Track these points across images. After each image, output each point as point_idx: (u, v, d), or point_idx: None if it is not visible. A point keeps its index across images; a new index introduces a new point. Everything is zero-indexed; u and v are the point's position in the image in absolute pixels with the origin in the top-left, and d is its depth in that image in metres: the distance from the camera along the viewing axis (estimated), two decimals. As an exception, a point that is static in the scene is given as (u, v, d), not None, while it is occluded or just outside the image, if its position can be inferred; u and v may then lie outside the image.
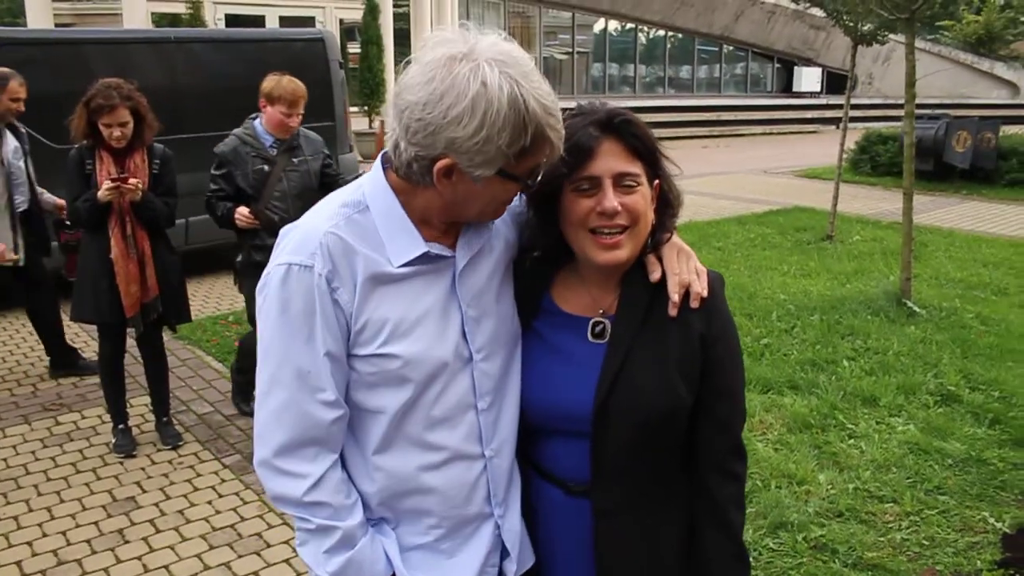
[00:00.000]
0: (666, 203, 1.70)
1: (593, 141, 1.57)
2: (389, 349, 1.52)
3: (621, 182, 1.58)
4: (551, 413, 1.68)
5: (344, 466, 1.61)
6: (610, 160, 1.58)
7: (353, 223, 1.53)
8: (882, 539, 3.79)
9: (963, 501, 4.12)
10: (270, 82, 4.60)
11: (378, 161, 1.60)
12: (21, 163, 5.36)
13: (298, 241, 1.52)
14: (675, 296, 1.63)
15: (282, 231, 1.59)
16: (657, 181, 1.66)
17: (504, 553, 1.72)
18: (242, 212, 4.51)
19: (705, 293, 1.64)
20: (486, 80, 1.38)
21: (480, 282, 1.63)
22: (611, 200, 1.56)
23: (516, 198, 1.64)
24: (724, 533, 1.71)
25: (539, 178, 1.52)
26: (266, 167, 4.58)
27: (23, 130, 5.50)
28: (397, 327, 1.53)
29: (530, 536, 1.77)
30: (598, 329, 1.68)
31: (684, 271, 1.65)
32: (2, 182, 5.23)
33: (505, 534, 1.71)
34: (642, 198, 1.60)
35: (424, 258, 1.54)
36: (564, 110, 1.59)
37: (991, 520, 3.94)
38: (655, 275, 1.66)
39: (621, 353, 1.63)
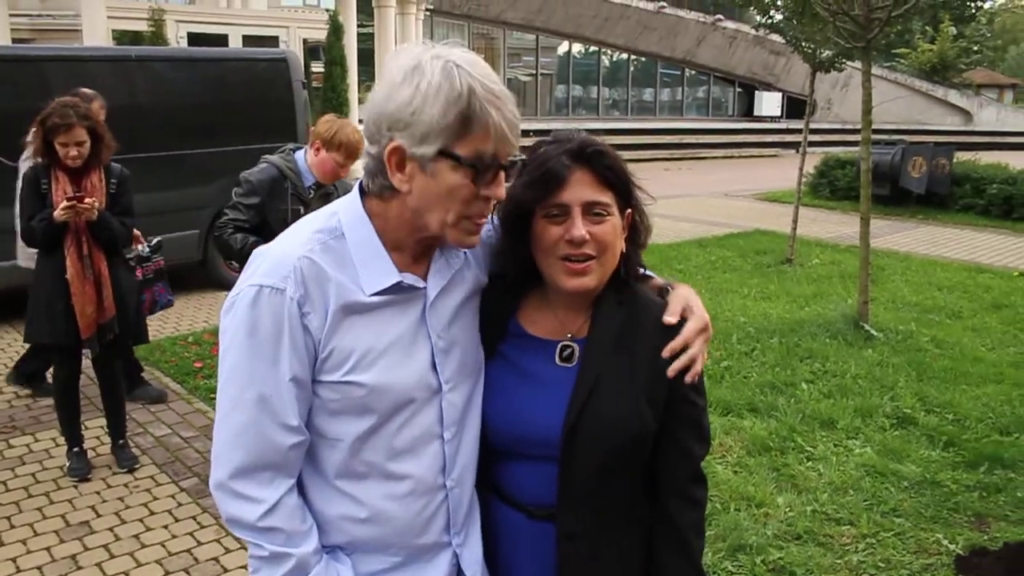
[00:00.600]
0: (636, 233, 1.71)
1: (565, 170, 1.59)
2: (354, 377, 1.51)
3: (590, 211, 1.60)
4: (517, 437, 1.68)
5: (302, 491, 1.60)
6: (580, 189, 1.59)
7: (328, 249, 1.52)
8: (839, 561, 3.83)
9: (918, 523, 4.17)
10: (330, 126, 4.19)
11: (355, 188, 1.60)
12: None
13: (271, 264, 1.50)
14: (680, 365, 1.64)
15: (254, 253, 1.57)
16: (629, 211, 1.68)
17: None
18: None
19: (691, 377, 1.66)
20: (424, 59, 1.43)
21: (449, 312, 1.62)
22: (579, 229, 1.58)
23: (489, 227, 1.64)
24: (685, 559, 1.72)
25: (489, 169, 1.47)
26: (301, 209, 4.12)
27: None
28: (364, 356, 1.52)
29: (491, 561, 1.76)
30: (566, 353, 1.69)
31: (698, 348, 1.66)
32: None
33: (464, 562, 1.70)
34: (612, 228, 1.62)
35: (396, 288, 1.54)
36: (540, 138, 1.63)
37: (944, 542, 3.99)
38: (671, 320, 1.66)
39: (591, 377, 1.64)
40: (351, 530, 1.61)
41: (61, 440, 4.84)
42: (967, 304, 8.44)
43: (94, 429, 5.11)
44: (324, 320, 1.49)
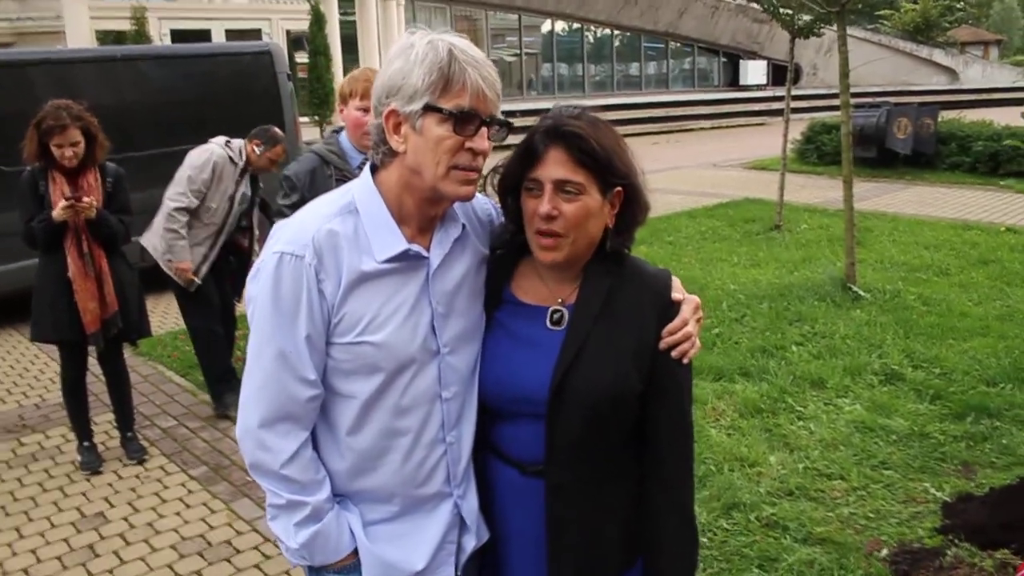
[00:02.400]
0: (629, 208, 1.79)
1: (541, 146, 1.70)
2: (364, 338, 1.66)
3: (562, 188, 1.69)
4: (509, 396, 1.79)
5: (315, 445, 1.75)
6: (553, 167, 1.69)
7: (343, 223, 1.67)
8: (830, 514, 3.96)
9: (907, 474, 4.31)
10: (343, 82, 3.82)
11: (367, 167, 1.76)
12: (244, 207, 5.45)
13: (292, 233, 1.66)
14: (672, 340, 1.76)
15: (276, 225, 1.75)
16: (619, 188, 1.75)
17: (464, 530, 1.85)
18: None
19: (688, 359, 1.79)
20: (415, 39, 1.63)
21: (451, 284, 1.76)
22: (545, 205, 1.68)
23: (488, 205, 1.83)
24: (674, 508, 1.83)
25: (470, 121, 1.61)
26: None
27: (260, 186, 5.61)
28: (373, 319, 1.67)
29: (486, 514, 1.89)
30: (556, 317, 1.80)
31: (693, 330, 1.79)
32: (222, 216, 5.28)
33: (465, 512, 1.84)
34: (583, 207, 1.70)
35: (403, 256, 1.68)
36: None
37: (932, 490, 4.13)
38: (679, 297, 1.79)
39: (579, 339, 1.75)
40: (359, 481, 1.77)
41: (71, 436, 4.96)
42: (954, 261, 8.56)
43: (102, 424, 5.23)
44: (337, 287, 1.65)
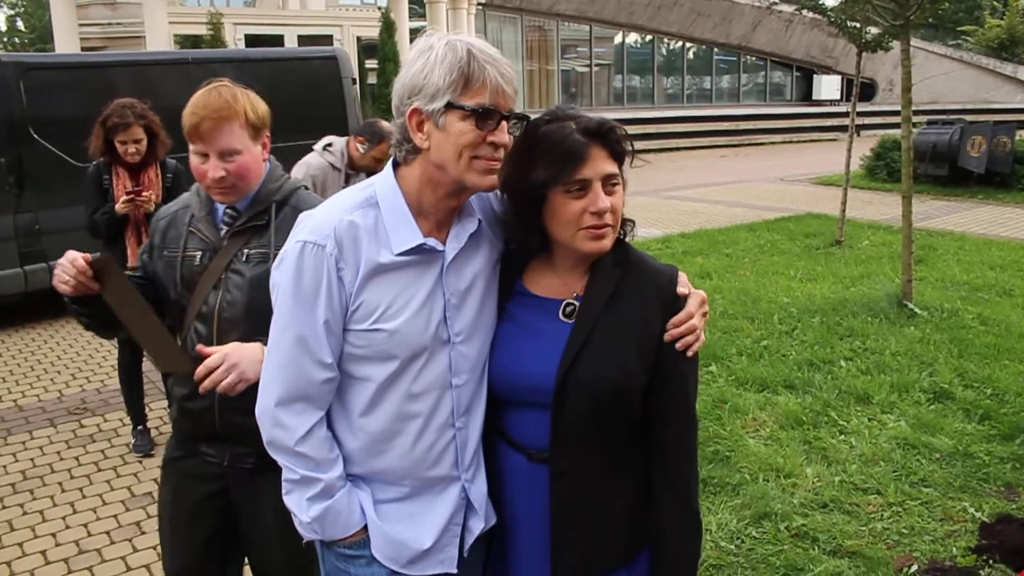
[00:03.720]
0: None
1: (584, 147, 1.76)
2: (379, 326, 1.75)
3: (608, 183, 1.78)
4: (517, 385, 1.86)
5: (330, 426, 1.84)
6: (600, 164, 1.77)
7: (364, 215, 1.76)
8: (863, 528, 3.93)
9: (946, 493, 4.24)
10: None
11: (389, 163, 1.85)
12: None
13: (315, 224, 1.76)
14: (676, 332, 1.81)
15: (302, 215, 1.85)
16: None
17: (471, 512, 1.92)
18: None
19: (693, 352, 1.83)
20: (434, 41, 1.71)
21: (465, 276, 1.84)
22: (604, 201, 1.76)
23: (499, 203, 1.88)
24: (679, 496, 1.87)
25: (490, 117, 1.69)
26: None
27: None
28: (388, 309, 1.76)
29: (494, 499, 1.96)
30: (569, 309, 1.86)
31: (698, 323, 1.84)
32: None
33: (473, 496, 1.91)
34: (621, 196, 1.81)
35: (419, 249, 1.77)
36: (534, 118, 1.82)
37: (971, 510, 4.06)
38: (684, 291, 1.84)
39: (586, 330, 1.81)
40: (371, 462, 1.85)
41: (127, 420, 5.18)
42: (1019, 282, 8.34)
43: (157, 410, 5.44)
44: (356, 277, 1.74)
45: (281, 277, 1.78)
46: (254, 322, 2.21)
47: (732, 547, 3.78)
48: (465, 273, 1.84)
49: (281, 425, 1.78)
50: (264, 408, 1.81)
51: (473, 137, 1.69)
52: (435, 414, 1.83)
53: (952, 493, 4.23)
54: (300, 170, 5.16)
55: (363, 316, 1.76)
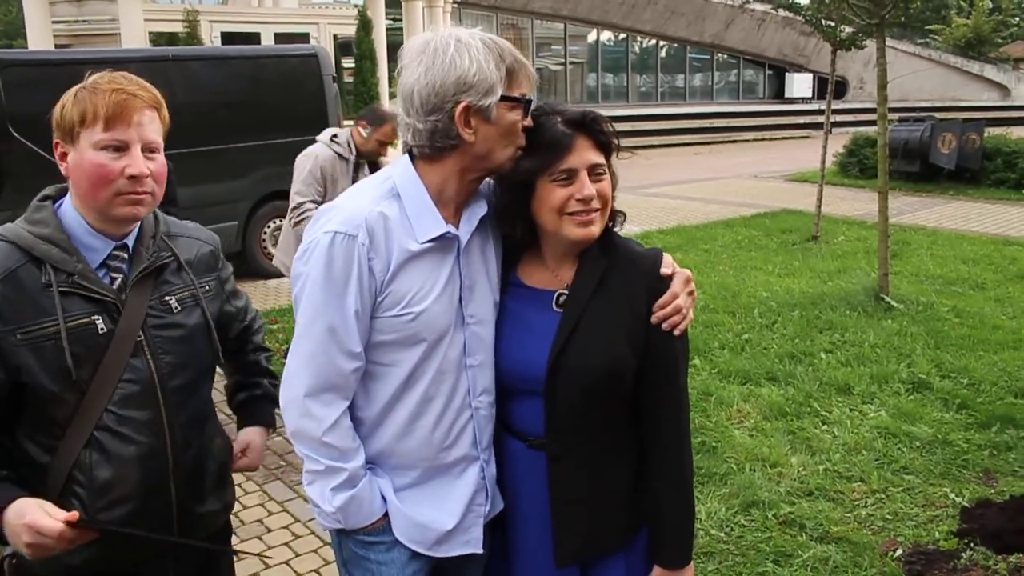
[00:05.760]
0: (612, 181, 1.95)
1: (568, 138, 1.82)
2: (407, 310, 1.79)
3: (594, 172, 1.84)
4: (515, 375, 1.91)
5: (352, 414, 1.87)
6: (585, 154, 1.83)
7: (390, 206, 1.80)
8: (848, 515, 4.02)
9: (927, 479, 4.34)
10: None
11: (406, 154, 1.88)
12: None
13: (346, 215, 1.77)
14: (662, 313, 1.85)
15: (321, 208, 1.88)
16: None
17: (487, 494, 1.97)
18: None
19: (680, 331, 1.88)
20: (460, 36, 1.76)
21: (477, 258, 1.90)
22: (589, 188, 1.82)
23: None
24: (671, 477, 1.92)
25: (530, 105, 1.80)
26: None
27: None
28: (415, 295, 1.80)
29: (500, 484, 2.01)
30: (562, 300, 1.91)
31: (684, 302, 1.88)
32: None
33: (487, 478, 1.96)
34: (608, 184, 1.87)
35: (442, 236, 1.82)
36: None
37: (952, 496, 4.16)
38: (667, 271, 1.89)
39: (573, 318, 1.86)
40: (392, 447, 1.88)
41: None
42: (991, 276, 8.51)
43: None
44: (387, 266, 1.78)
45: (310, 268, 1.79)
46: (195, 373, 1.95)
47: (722, 535, 3.85)
48: (476, 255, 1.90)
49: (310, 415, 1.79)
50: (292, 399, 1.81)
51: (520, 126, 1.80)
52: (454, 395, 1.88)
53: (933, 480, 4.34)
54: (308, 161, 5.16)
55: (391, 304, 1.79)
